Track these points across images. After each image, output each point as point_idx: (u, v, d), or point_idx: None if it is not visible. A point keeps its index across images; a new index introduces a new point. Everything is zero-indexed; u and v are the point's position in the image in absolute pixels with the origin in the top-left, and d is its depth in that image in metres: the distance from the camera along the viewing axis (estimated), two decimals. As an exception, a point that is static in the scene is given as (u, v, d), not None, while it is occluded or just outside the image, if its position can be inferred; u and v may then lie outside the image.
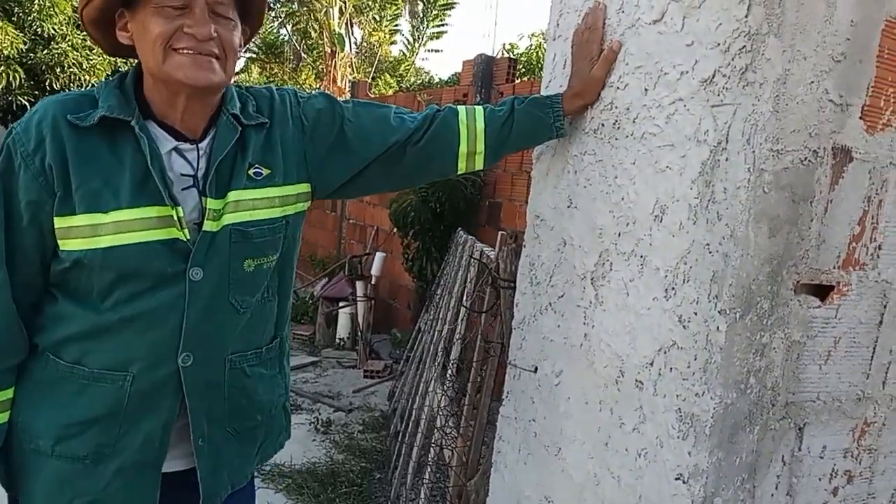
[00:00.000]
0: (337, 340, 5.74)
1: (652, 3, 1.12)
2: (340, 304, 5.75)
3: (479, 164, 1.34)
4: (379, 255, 5.78)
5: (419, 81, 14.72)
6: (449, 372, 2.25)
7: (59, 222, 1.07)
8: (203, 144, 1.16)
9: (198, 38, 1.07)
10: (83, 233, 1.07)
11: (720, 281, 0.97)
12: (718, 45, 0.99)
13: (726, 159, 0.97)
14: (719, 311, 0.96)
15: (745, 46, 0.94)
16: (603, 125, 1.24)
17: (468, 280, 2.44)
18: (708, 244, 0.99)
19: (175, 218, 1.10)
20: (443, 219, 4.85)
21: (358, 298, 5.64)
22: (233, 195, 1.15)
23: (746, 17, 0.94)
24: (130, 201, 1.08)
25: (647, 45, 1.13)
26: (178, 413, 1.18)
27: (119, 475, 1.16)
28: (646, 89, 1.13)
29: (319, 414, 4.17)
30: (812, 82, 0.94)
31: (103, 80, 1.15)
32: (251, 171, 1.17)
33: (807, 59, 0.94)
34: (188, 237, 1.12)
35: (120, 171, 1.08)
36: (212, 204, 1.13)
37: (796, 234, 0.98)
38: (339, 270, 6.33)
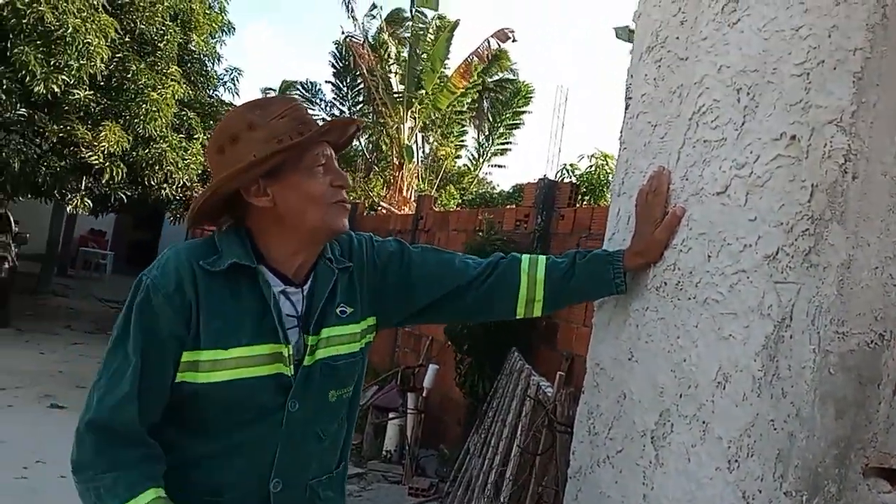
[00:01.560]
0: (384, 452, 5.65)
1: (716, 176, 1.18)
2: (390, 414, 5.71)
3: (536, 312, 1.40)
4: (432, 368, 5.76)
5: (481, 192, 15.16)
6: (500, 512, 2.20)
7: (186, 356, 1.17)
8: (305, 287, 1.28)
9: (345, 188, 1.25)
10: (205, 367, 1.17)
11: (785, 460, 0.95)
12: (781, 224, 1.03)
13: (790, 336, 0.98)
14: (785, 493, 0.94)
15: (808, 229, 0.98)
16: (665, 284, 1.27)
17: (523, 414, 2.42)
18: (773, 420, 0.98)
19: (285, 355, 1.20)
20: (498, 336, 4.85)
21: (409, 411, 5.59)
22: (325, 332, 1.26)
23: (809, 202, 0.99)
24: (250, 340, 1.18)
25: (711, 214, 1.17)
26: None
27: None
28: (709, 256, 1.16)
29: (361, 532, 4.06)
30: (877, 268, 0.96)
31: (219, 232, 1.28)
32: (338, 310, 1.29)
33: (871, 246, 0.96)
34: (292, 373, 1.21)
35: (240, 312, 1.19)
36: (310, 341, 1.24)
37: (864, 416, 0.97)
38: (391, 379, 6.33)
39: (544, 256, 1.42)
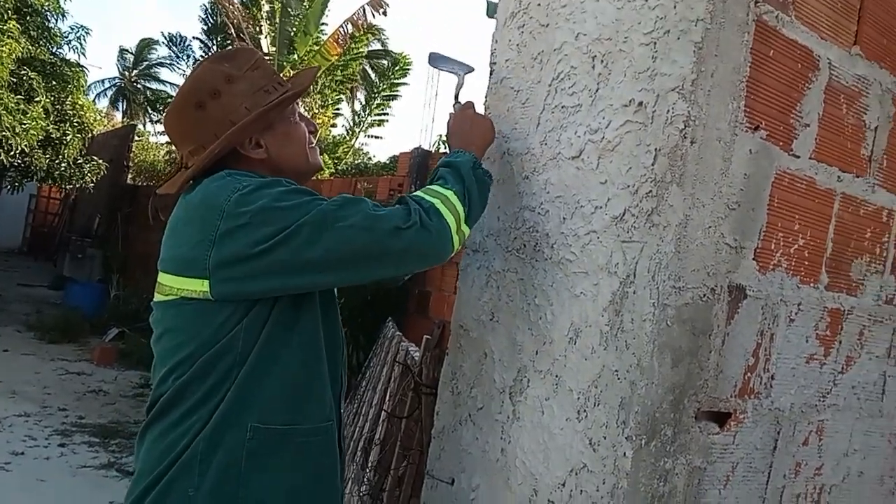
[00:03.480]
0: (254, 427, 5.51)
1: (572, 141, 1.21)
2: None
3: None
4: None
5: (357, 162, 14.96)
6: (366, 477, 2.21)
7: None
8: None
9: (316, 133, 1.33)
10: None
11: (627, 407, 1.02)
12: (628, 186, 1.08)
13: (634, 292, 1.04)
14: (626, 437, 1.01)
15: (651, 191, 1.04)
16: (525, 246, 1.30)
17: (392, 379, 2.43)
18: (617, 371, 1.04)
19: None
20: (373, 306, 4.84)
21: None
22: None
23: (653, 165, 1.04)
24: None
25: (566, 177, 1.21)
26: None
27: None
28: (564, 218, 1.21)
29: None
30: (710, 227, 1.04)
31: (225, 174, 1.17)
32: None
33: (705, 206, 1.03)
34: None
35: None
36: None
37: (697, 364, 1.05)
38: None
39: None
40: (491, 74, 1.55)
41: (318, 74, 12.76)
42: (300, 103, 1.31)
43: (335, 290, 1.28)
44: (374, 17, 12.97)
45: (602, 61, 1.18)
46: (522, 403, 1.22)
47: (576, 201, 1.18)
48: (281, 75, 1.34)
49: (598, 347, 1.08)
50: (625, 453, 1.00)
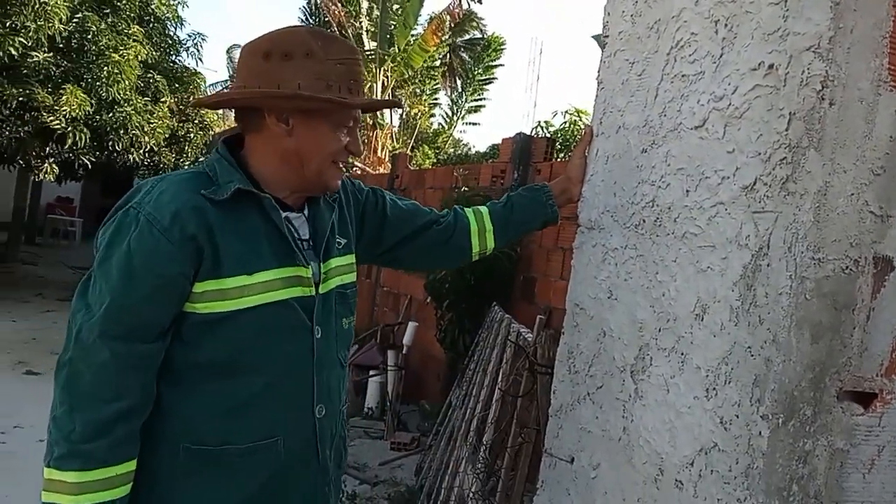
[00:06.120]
0: (365, 409, 5.70)
1: (694, 110, 1.17)
2: (371, 372, 5.74)
3: (490, 243, 1.52)
4: (411, 325, 5.79)
5: (457, 153, 15.07)
6: (481, 455, 2.23)
7: (210, 286, 1.13)
8: (305, 213, 1.29)
9: (356, 157, 1.29)
10: (233, 294, 1.14)
11: (762, 385, 0.97)
12: (759, 154, 1.02)
13: (768, 265, 0.99)
14: (762, 416, 0.96)
15: (785, 158, 0.98)
16: (644, 221, 1.27)
17: (504, 360, 2.44)
18: (749, 347, 1.00)
19: (305, 277, 1.22)
20: (477, 291, 4.87)
21: (389, 368, 5.63)
22: (333, 261, 1.30)
23: (787, 130, 0.98)
24: (271, 263, 1.18)
25: (689, 148, 1.17)
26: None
27: None
28: (687, 191, 1.17)
29: (345, 485, 4.10)
30: (852, 194, 0.97)
31: (212, 156, 1.24)
32: (337, 241, 1.32)
33: (847, 173, 0.97)
34: (314, 293, 1.23)
35: (255, 237, 1.18)
36: (323, 268, 1.27)
37: (839, 341, 0.98)
38: (370, 338, 6.35)
39: None
40: (603, 49, 1.52)
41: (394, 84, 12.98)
42: (356, 119, 1.24)
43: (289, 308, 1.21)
44: (469, 5, 12.97)
45: (726, 25, 1.13)
46: (645, 382, 1.20)
47: (700, 172, 1.14)
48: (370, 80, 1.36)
49: (728, 323, 1.04)
50: (760, 432, 0.96)
